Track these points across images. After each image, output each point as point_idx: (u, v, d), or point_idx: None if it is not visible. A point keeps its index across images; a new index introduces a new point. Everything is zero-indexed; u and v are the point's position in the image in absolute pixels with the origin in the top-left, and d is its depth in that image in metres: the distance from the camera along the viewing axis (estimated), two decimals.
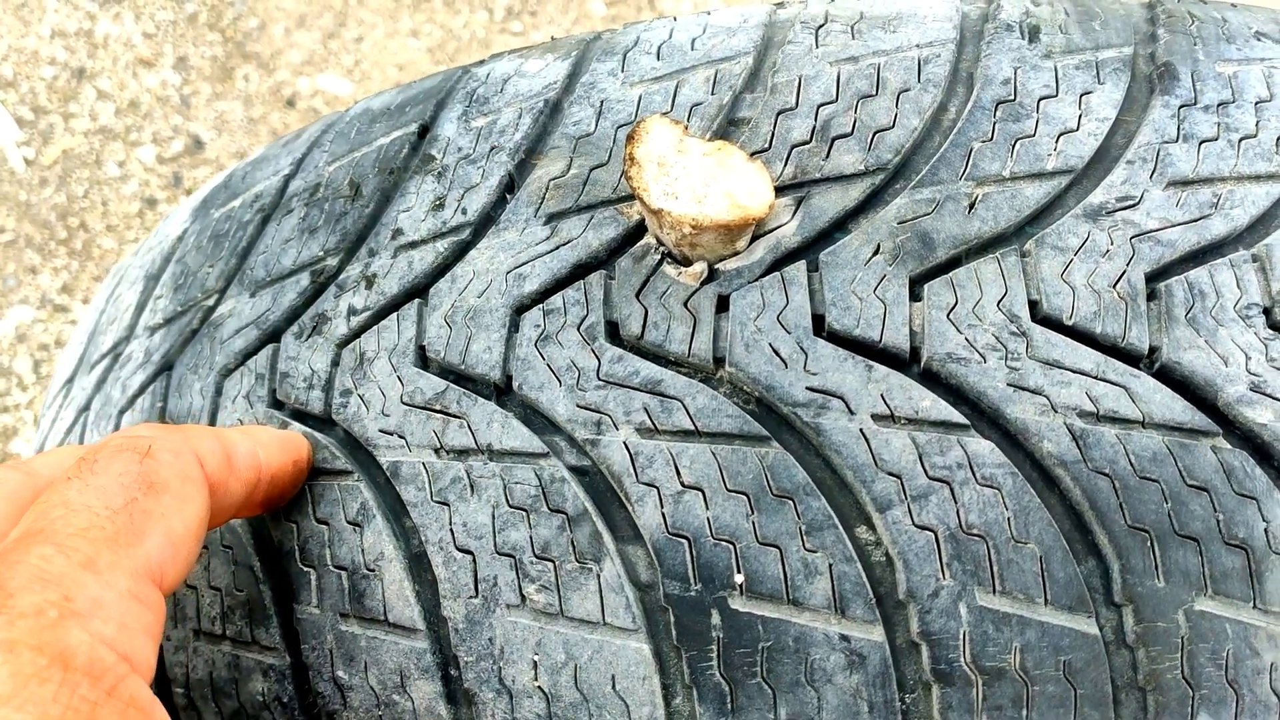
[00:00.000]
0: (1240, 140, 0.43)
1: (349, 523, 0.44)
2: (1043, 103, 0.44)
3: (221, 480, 0.40)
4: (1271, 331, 0.40)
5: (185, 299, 0.56)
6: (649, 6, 2.13)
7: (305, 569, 0.44)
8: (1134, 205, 0.42)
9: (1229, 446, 0.38)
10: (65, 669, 0.29)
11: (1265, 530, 0.37)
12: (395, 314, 0.47)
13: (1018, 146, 0.43)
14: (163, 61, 2.16)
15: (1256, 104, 0.44)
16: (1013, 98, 0.44)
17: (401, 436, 0.44)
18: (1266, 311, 0.40)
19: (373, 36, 2.16)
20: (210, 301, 0.54)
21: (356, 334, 0.47)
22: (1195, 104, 0.44)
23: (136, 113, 2.11)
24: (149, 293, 0.60)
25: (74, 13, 2.20)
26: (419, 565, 0.42)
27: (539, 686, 0.39)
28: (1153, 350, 0.39)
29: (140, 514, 0.35)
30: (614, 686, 0.39)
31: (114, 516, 0.34)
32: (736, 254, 0.43)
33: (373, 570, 0.43)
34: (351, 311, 0.48)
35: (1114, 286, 0.40)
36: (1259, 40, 0.47)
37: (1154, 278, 0.41)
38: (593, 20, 2.14)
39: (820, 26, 0.48)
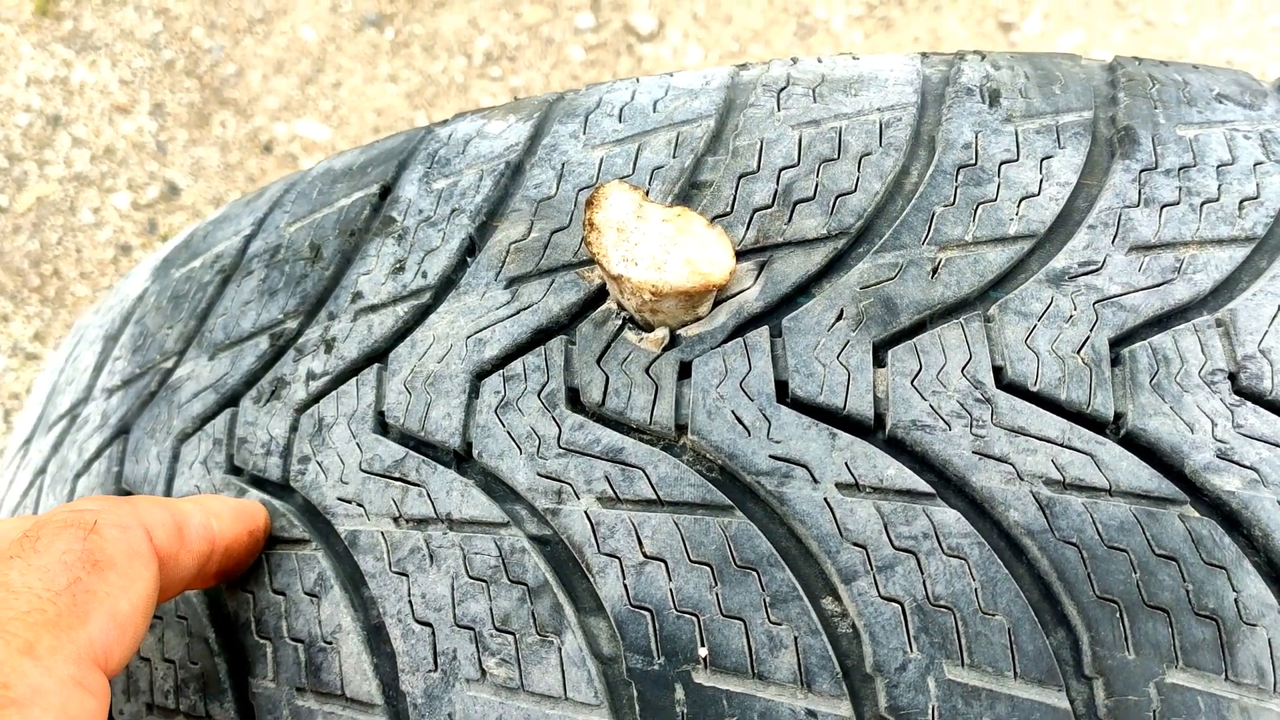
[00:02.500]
0: (1202, 204, 0.43)
1: (306, 593, 0.43)
2: (1004, 167, 0.44)
3: (172, 553, 0.39)
4: (1237, 397, 0.39)
5: (144, 361, 0.55)
6: (627, 52, 2.14)
7: (261, 641, 0.43)
8: (1097, 270, 0.42)
9: (1197, 515, 0.38)
10: None
11: (1235, 600, 0.36)
12: (355, 379, 0.46)
13: (980, 211, 0.43)
14: (139, 108, 2.15)
15: (1218, 167, 0.44)
16: (974, 162, 0.44)
17: (360, 505, 0.43)
18: (1232, 377, 0.40)
19: (351, 82, 2.16)
20: (169, 364, 0.53)
21: (315, 399, 0.47)
22: (1156, 168, 0.44)
23: (112, 159, 2.10)
24: (107, 354, 0.59)
25: (50, 60, 2.20)
26: (377, 637, 0.41)
27: None
28: (1118, 416, 0.39)
29: (84, 594, 0.34)
30: None
31: (56, 598, 0.33)
32: (699, 319, 0.42)
33: (330, 643, 0.42)
34: (310, 376, 0.47)
35: (1078, 352, 0.40)
36: (1220, 103, 0.47)
37: (1118, 343, 0.40)
38: (571, 65, 2.15)
39: (782, 89, 0.48)
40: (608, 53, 2.19)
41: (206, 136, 2.14)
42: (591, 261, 0.44)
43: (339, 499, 0.44)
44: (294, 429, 0.46)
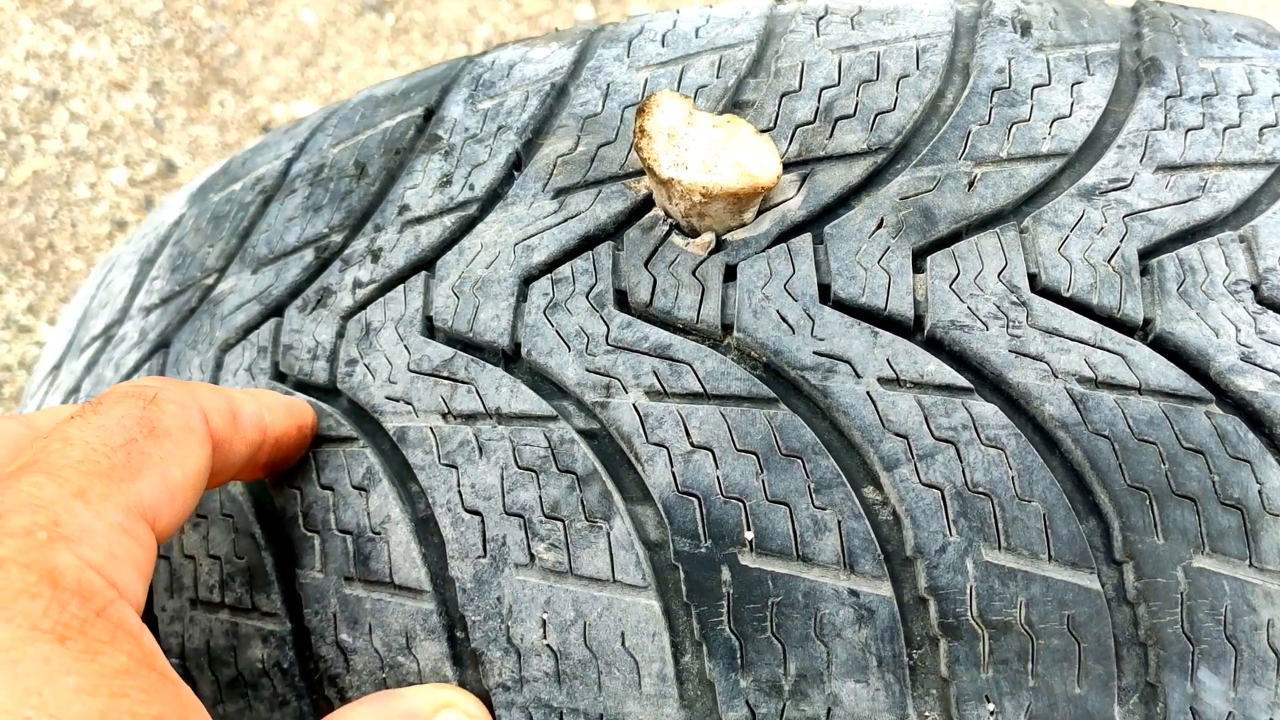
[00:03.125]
0: (1225, 129, 0.45)
1: (354, 487, 0.44)
2: (1036, 90, 0.46)
3: (226, 437, 0.40)
4: (1259, 306, 0.41)
5: (183, 279, 0.56)
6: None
7: (309, 534, 0.44)
8: (1125, 186, 0.43)
9: (1222, 413, 0.39)
10: (54, 587, 0.29)
11: (1259, 492, 0.38)
12: (402, 286, 0.47)
13: (1014, 130, 0.45)
14: (137, 85, 2.15)
15: (1239, 97, 0.46)
16: (1008, 85, 0.46)
17: (408, 402, 0.44)
18: (1254, 288, 0.41)
19: (350, 66, 2.17)
20: (210, 280, 0.54)
21: (362, 306, 0.48)
22: (1181, 95, 0.46)
23: (109, 135, 2.10)
24: (144, 275, 0.60)
25: (49, 35, 2.20)
26: (425, 528, 0.43)
27: (547, 644, 0.40)
28: (1147, 321, 0.41)
29: (138, 454, 0.35)
30: (623, 643, 0.39)
31: (111, 453, 0.34)
32: (743, 226, 0.44)
33: (379, 533, 0.43)
34: (357, 284, 0.48)
35: (1109, 261, 0.42)
36: (1239, 41, 0.49)
37: (1146, 254, 0.42)
38: None
39: (821, 18, 0.50)
40: None
41: (205, 115, 2.14)
42: (638, 173, 0.46)
43: (387, 398, 0.45)
44: (340, 334, 0.48)
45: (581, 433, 0.42)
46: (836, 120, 0.46)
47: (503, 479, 0.42)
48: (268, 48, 2.22)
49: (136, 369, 0.55)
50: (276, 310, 0.50)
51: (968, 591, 0.38)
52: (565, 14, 2.26)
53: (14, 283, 1.97)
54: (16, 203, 2.03)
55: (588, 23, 2.23)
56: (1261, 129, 0.45)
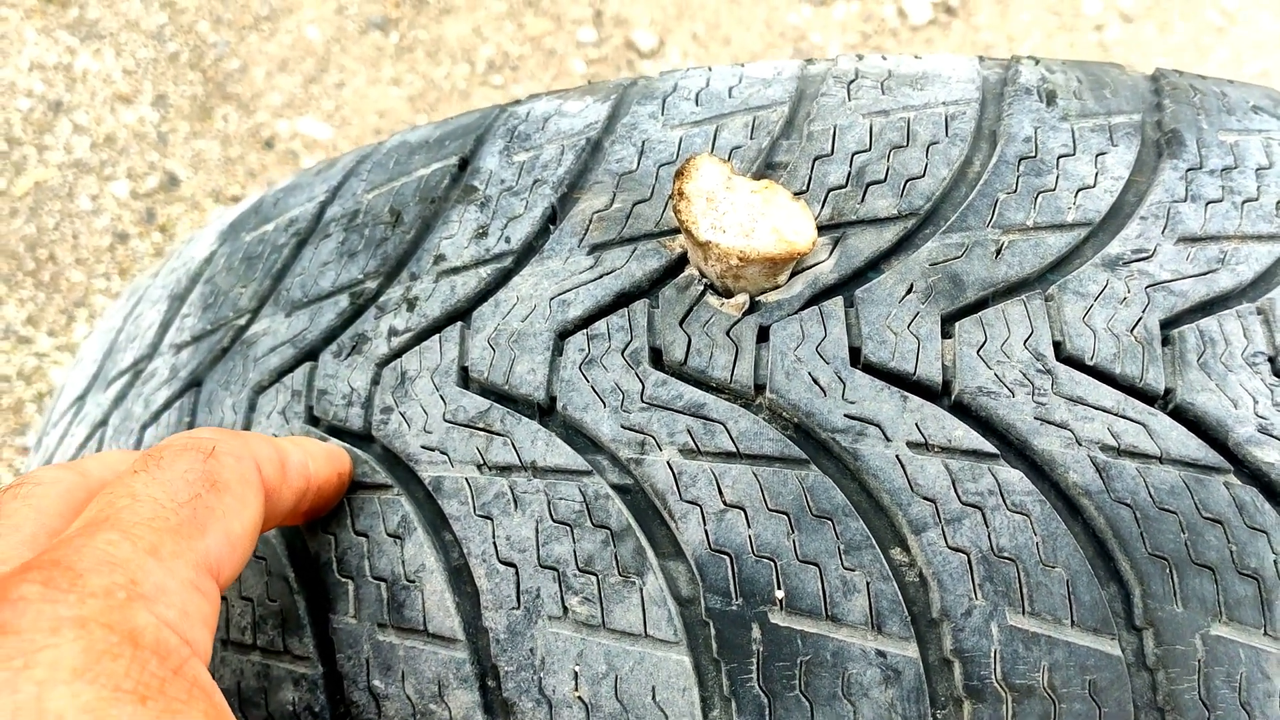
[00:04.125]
0: (1243, 202, 0.46)
1: (389, 535, 0.45)
2: (1062, 160, 0.47)
3: (275, 487, 0.41)
4: (1276, 378, 0.42)
5: (215, 318, 0.57)
6: (627, 68, 2.18)
7: (343, 579, 0.45)
8: (1148, 257, 0.45)
9: (1240, 483, 0.40)
10: (135, 646, 0.30)
11: (1275, 562, 0.39)
12: (437, 335, 0.48)
13: (1040, 199, 0.46)
14: (141, 98, 2.16)
15: (1257, 170, 0.48)
16: (1034, 154, 0.47)
17: (444, 452, 0.45)
18: (1271, 360, 0.43)
19: (354, 83, 2.18)
20: (242, 320, 0.55)
21: (397, 354, 0.49)
22: (1201, 168, 0.47)
23: (112, 147, 2.11)
24: (174, 311, 0.61)
25: (54, 46, 2.20)
26: (459, 577, 0.43)
27: (579, 697, 0.40)
28: (1168, 391, 0.42)
29: (204, 510, 0.36)
30: (654, 697, 0.40)
31: (179, 510, 0.35)
32: (776, 288, 0.45)
33: (413, 581, 0.44)
34: (393, 332, 0.49)
35: (1131, 331, 0.43)
36: (1256, 113, 0.50)
37: (1168, 324, 0.44)
38: (572, 77, 2.18)
39: (851, 81, 0.51)
40: (608, 67, 2.22)
41: (208, 129, 2.15)
42: (673, 231, 0.47)
43: (423, 447, 0.46)
44: (375, 382, 0.48)
45: (616, 488, 0.43)
46: (868, 185, 0.47)
47: (537, 532, 0.43)
48: (272, 63, 2.23)
49: (167, 406, 0.56)
50: (310, 354, 0.51)
51: (992, 655, 0.39)
52: (568, 35, 2.28)
53: (14, 293, 1.97)
54: (18, 213, 2.03)
55: (589, 44, 2.25)
56: (1278, 202, 0.47)
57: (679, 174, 0.44)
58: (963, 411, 0.42)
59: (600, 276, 0.47)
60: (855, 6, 2.28)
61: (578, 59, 2.24)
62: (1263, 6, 2.17)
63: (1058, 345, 0.43)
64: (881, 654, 0.39)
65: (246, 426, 0.51)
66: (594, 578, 0.41)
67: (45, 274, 1.99)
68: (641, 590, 0.41)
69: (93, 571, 0.31)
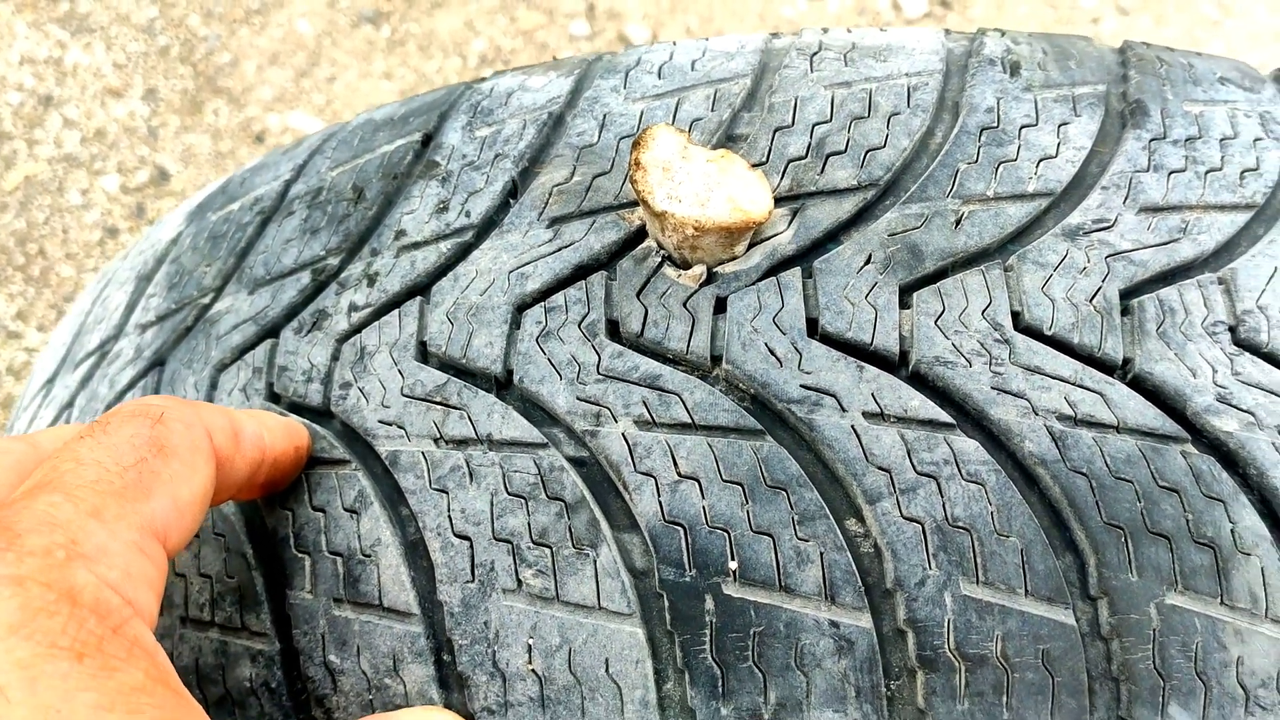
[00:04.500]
0: (1206, 172, 0.46)
1: (346, 510, 0.44)
2: (1024, 130, 0.47)
3: (228, 456, 0.41)
4: (1236, 348, 0.42)
5: (180, 297, 0.57)
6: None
7: (300, 555, 0.45)
8: (1109, 227, 0.44)
9: (1197, 452, 0.40)
10: (73, 605, 0.30)
11: (1232, 531, 0.39)
12: (397, 310, 0.48)
13: (1001, 169, 0.46)
14: (132, 92, 2.16)
15: (1221, 140, 0.47)
16: (996, 125, 0.47)
17: (401, 427, 0.45)
18: (1232, 329, 0.42)
19: (345, 77, 2.18)
20: (206, 299, 0.55)
21: (357, 329, 0.48)
22: (1165, 138, 0.47)
23: (103, 142, 2.11)
24: (140, 292, 0.60)
25: (44, 40, 2.20)
26: (415, 551, 0.43)
27: (533, 670, 0.40)
28: (1126, 361, 0.42)
29: (149, 474, 0.36)
30: (607, 670, 0.39)
31: (123, 473, 0.35)
32: (734, 259, 0.45)
33: (369, 556, 0.43)
34: (353, 308, 0.49)
35: (1090, 301, 0.43)
36: (1223, 84, 0.50)
37: (1127, 294, 0.43)
38: None
39: (815, 54, 0.51)
40: None
41: (199, 124, 2.15)
42: (632, 204, 0.47)
43: (380, 421, 0.46)
44: (335, 357, 0.48)
45: (571, 460, 0.42)
46: (828, 156, 0.47)
47: (492, 505, 0.42)
48: (263, 57, 2.22)
49: (131, 386, 0.55)
50: (272, 331, 0.51)
51: (946, 624, 0.38)
52: (560, 29, 2.28)
53: (3, 288, 1.96)
54: (8, 208, 2.03)
55: (582, 38, 2.25)
56: (1243, 172, 0.46)
57: (636, 144, 0.44)
58: (919, 381, 0.42)
59: (559, 249, 0.46)
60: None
61: (570, 52, 2.24)
62: (1258, 0, 2.16)
63: (1016, 315, 0.43)
64: (835, 624, 0.39)
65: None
66: (548, 550, 0.41)
67: (35, 269, 1.99)
68: (595, 562, 0.41)
69: (32, 532, 0.31)
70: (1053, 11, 2.21)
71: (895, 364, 0.42)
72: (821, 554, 0.39)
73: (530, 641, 0.40)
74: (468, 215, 0.49)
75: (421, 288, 0.48)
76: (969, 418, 0.41)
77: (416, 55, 2.24)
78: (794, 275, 0.44)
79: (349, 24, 2.26)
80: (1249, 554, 0.39)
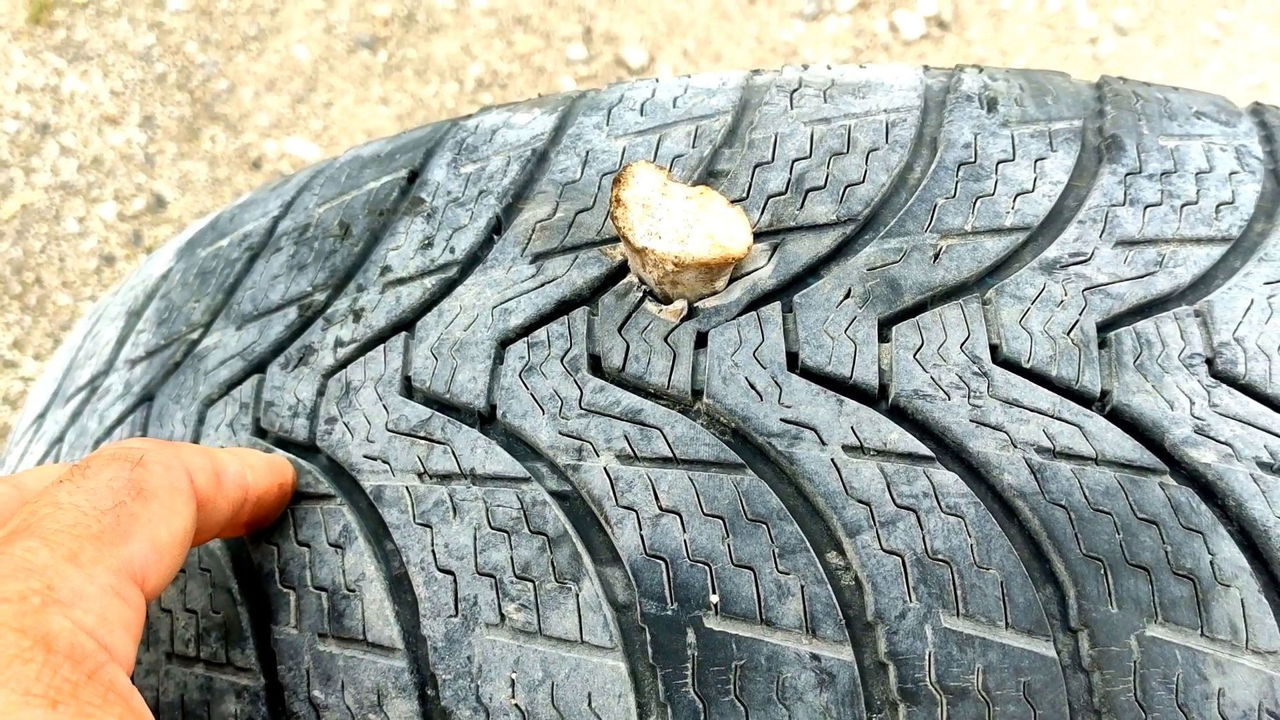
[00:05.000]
0: (1182, 206, 0.47)
1: (331, 545, 0.45)
2: (1001, 165, 0.48)
3: (209, 497, 0.41)
4: (1213, 380, 0.43)
5: (169, 333, 0.57)
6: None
7: (285, 590, 0.45)
8: (1085, 261, 0.45)
9: (1176, 484, 0.40)
10: (47, 651, 0.30)
11: (1211, 562, 0.39)
12: (382, 346, 0.48)
13: (978, 204, 0.46)
14: (129, 119, 2.17)
15: (1197, 174, 0.48)
16: (973, 160, 0.48)
17: (385, 462, 0.45)
18: (1209, 361, 0.43)
19: (342, 103, 2.19)
20: (195, 335, 0.55)
21: (343, 365, 0.49)
22: (1140, 172, 0.48)
23: (99, 169, 2.12)
24: (130, 328, 0.61)
25: (41, 68, 2.22)
26: (399, 586, 0.43)
27: (515, 704, 0.40)
28: (1104, 393, 0.42)
29: (127, 517, 0.36)
30: (590, 704, 0.40)
31: (101, 516, 0.35)
32: (715, 294, 0.45)
33: (353, 591, 0.44)
34: (339, 343, 0.49)
35: (1068, 334, 0.43)
36: (1199, 119, 0.51)
37: (1104, 327, 0.44)
38: None
39: (794, 90, 0.51)
40: (598, 84, 2.23)
41: (195, 150, 2.16)
42: (614, 239, 0.47)
43: (365, 456, 0.46)
44: (321, 393, 0.49)
45: (553, 494, 0.43)
46: (807, 192, 0.47)
47: (476, 539, 0.43)
48: (260, 83, 2.24)
49: (120, 421, 0.56)
50: (259, 367, 0.51)
51: (926, 657, 0.38)
52: (558, 53, 2.29)
53: (0, 317, 1.97)
54: (4, 236, 2.04)
55: (579, 61, 2.26)
56: (1218, 206, 0.47)
57: (616, 181, 0.44)
58: (899, 415, 0.42)
59: (542, 285, 0.47)
60: (847, 21, 2.29)
61: (567, 76, 2.25)
62: (1258, 18, 2.18)
63: (994, 348, 0.43)
64: (816, 657, 0.39)
65: (195, 439, 0.51)
66: (531, 584, 0.41)
67: (31, 297, 1.99)
68: (578, 596, 0.41)
69: (8, 577, 0.31)
70: (1050, 32, 2.23)
71: (875, 397, 0.43)
72: (802, 587, 0.40)
73: (513, 676, 0.41)
74: (452, 251, 0.49)
75: (406, 323, 0.49)
76: (948, 450, 0.41)
77: (413, 80, 2.26)
78: (774, 310, 0.44)
79: (346, 50, 2.27)
80: (1228, 585, 0.39)
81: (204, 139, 2.16)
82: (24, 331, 1.97)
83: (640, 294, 0.45)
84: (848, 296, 0.44)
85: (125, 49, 2.25)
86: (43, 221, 2.06)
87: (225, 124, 2.18)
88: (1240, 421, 0.42)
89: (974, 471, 0.41)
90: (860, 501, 0.40)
